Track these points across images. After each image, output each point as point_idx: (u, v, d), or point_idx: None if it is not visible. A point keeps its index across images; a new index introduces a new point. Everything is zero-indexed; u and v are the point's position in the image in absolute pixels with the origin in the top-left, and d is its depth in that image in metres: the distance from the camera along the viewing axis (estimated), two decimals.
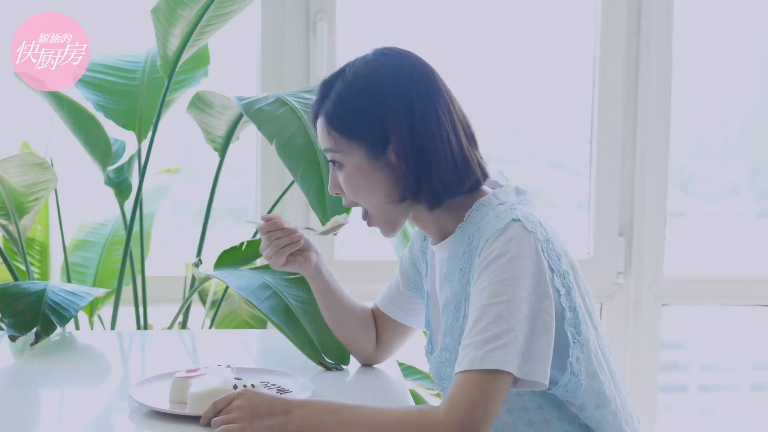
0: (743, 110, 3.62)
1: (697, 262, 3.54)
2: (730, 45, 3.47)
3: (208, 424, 1.71)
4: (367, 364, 2.14)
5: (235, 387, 1.79)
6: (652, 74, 3.27)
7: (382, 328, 2.11)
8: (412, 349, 2.22)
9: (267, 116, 2.17)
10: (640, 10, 3.26)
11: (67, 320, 2.25)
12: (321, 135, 1.81)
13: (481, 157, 1.82)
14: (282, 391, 1.90)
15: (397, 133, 1.74)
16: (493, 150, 3.42)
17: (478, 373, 1.63)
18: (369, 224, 1.86)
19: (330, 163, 1.83)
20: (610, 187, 3.31)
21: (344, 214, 2.00)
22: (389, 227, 1.84)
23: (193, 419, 1.76)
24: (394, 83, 1.76)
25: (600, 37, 3.28)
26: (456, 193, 1.79)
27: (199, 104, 2.60)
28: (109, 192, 2.81)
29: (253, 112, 2.18)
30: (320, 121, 1.81)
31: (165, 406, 1.82)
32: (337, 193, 1.85)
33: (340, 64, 3.11)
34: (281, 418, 1.67)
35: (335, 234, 2.00)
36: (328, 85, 1.81)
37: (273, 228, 1.97)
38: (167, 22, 2.42)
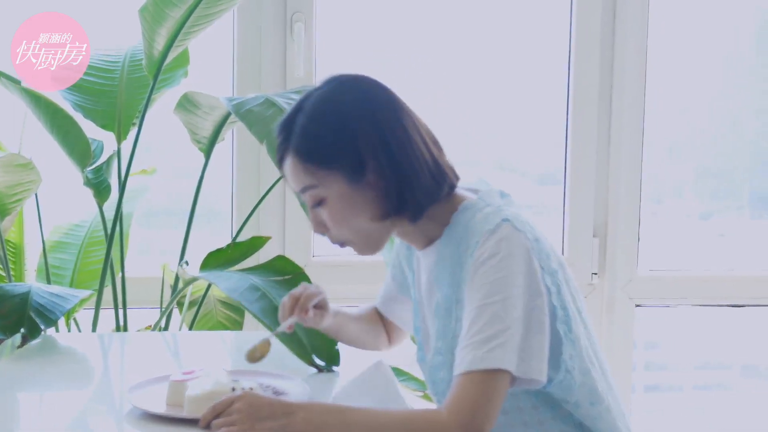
0: (714, 111, 3.66)
1: (670, 263, 3.56)
2: (701, 44, 3.52)
3: (206, 427, 1.70)
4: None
5: (234, 389, 1.78)
6: (626, 77, 3.29)
7: (387, 327, 2.15)
8: (397, 351, 2.23)
9: (257, 117, 2.16)
10: (615, 14, 3.29)
11: (53, 323, 2.23)
12: (294, 174, 1.78)
13: (449, 162, 1.84)
14: (278, 393, 1.89)
15: (372, 153, 1.74)
16: (467, 154, 3.42)
17: (479, 374, 1.64)
18: (342, 246, 1.84)
19: (310, 203, 1.80)
20: (584, 189, 3.33)
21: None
22: (373, 247, 1.83)
23: (191, 422, 1.74)
24: (357, 106, 1.76)
25: (575, 43, 3.30)
26: (436, 199, 1.80)
27: (187, 105, 2.59)
28: (83, 193, 2.77)
29: (243, 112, 2.17)
30: (290, 161, 1.78)
31: (162, 409, 1.80)
32: (321, 232, 1.83)
33: (317, 64, 3.17)
34: (283, 420, 1.66)
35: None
36: (288, 124, 1.78)
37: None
38: (154, 22, 2.40)
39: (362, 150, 1.74)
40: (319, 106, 1.76)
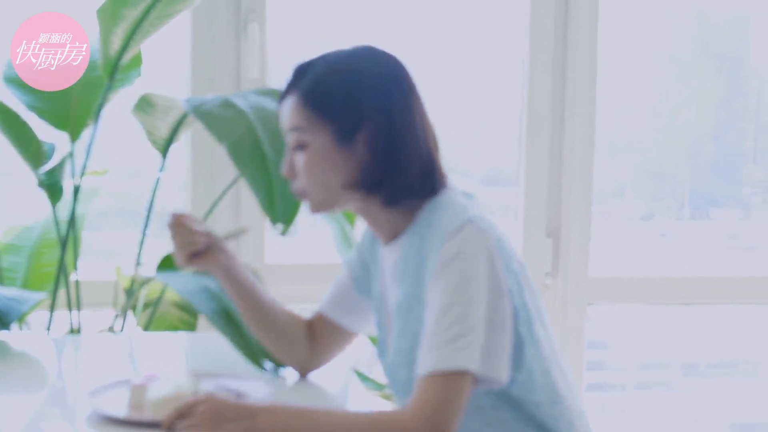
0: (655, 112, 3.71)
1: (616, 263, 3.60)
2: (645, 46, 3.56)
3: (169, 428, 1.68)
4: (301, 372, 2.08)
5: (196, 392, 1.77)
6: (578, 79, 3.32)
7: (323, 334, 2.07)
8: (356, 352, 2.22)
9: (217, 118, 2.15)
10: (567, 16, 3.31)
11: (7, 326, 2.20)
12: (291, 112, 1.80)
13: (442, 165, 1.84)
14: (239, 395, 1.88)
15: (373, 123, 1.76)
16: None
17: (443, 375, 1.65)
18: (303, 197, 1.84)
19: (292, 145, 1.81)
20: (538, 189, 3.35)
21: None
22: (323, 207, 1.83)
23: (153, 426, 1.72)
24: (377, 75, 1.79)
25: (528, 48, 3.32)
26: (415, 195, 1.80)
27: (145, 107, 2.57)
28: (37, 194, 2.74)
29: (202, 113, 2.15)
30: (292, 99, 1.80)
31: (123, 412, 1.78)
32: (289, 176, 1.83)
33: (271, 65, 3.15)
34: (247, 422, 1.65)
35: (236, 239, 2.06)
36: (306, 67, 1.81)
37: (177, 224, 1.97)
38: (111, 22, 2.39)
39: (364, 117, 1.76)
40: (341, 61, 1.80)
